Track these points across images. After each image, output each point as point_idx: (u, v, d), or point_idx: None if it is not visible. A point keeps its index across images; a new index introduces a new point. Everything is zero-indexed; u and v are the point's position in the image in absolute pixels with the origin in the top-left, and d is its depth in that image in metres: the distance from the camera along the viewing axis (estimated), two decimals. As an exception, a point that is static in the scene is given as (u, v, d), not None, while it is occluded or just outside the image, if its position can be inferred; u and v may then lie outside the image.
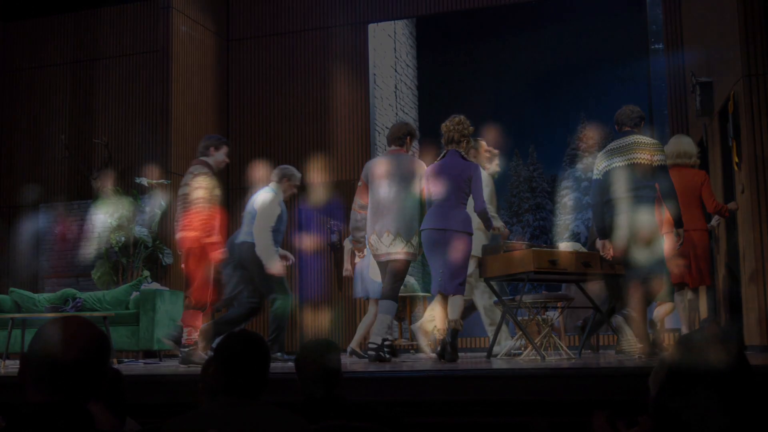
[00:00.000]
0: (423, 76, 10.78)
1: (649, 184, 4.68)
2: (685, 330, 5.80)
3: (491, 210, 5.38)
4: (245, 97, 8.92)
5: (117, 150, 8.57)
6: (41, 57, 9.24)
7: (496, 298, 5.53)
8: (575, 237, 13.52)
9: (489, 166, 5.91)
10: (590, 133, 12.36)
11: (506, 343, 5.79)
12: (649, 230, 4.64)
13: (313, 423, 2.41)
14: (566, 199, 15.17)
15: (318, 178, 8.45)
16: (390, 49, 9.78)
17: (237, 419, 2.25)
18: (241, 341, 2.47)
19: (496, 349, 5.61)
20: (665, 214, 5.08)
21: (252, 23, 9.03)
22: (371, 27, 8.85)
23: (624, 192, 4.68)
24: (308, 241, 8.78)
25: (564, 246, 5.60)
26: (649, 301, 4.86)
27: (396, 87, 9.88)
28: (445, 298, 4.99)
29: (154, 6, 8.52)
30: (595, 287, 5.80)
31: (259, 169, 6.28)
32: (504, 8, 8.76)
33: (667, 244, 5.22)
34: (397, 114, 9.75)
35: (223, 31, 8.94)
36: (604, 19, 9.21)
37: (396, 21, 9.55)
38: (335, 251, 9.03)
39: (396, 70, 9.95)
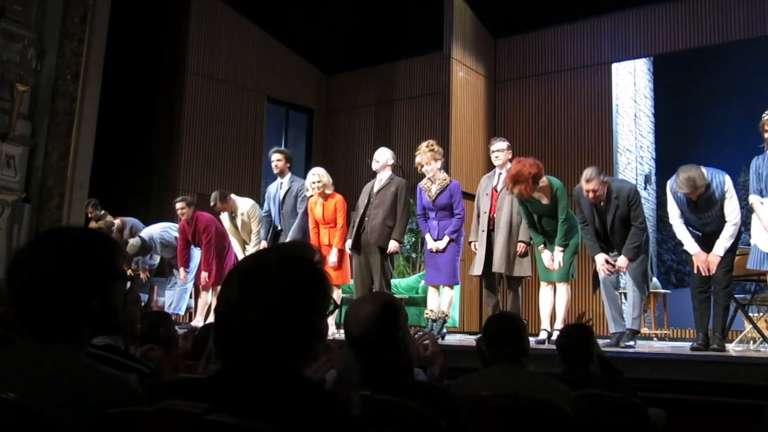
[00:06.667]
0: (659, 105, 11.96)
1: None
2: None
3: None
4: (509, 126, 10.25)
5: (409, 169, 10.84)
6: (353, 101, 11.88)
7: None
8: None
9: None
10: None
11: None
12: None
13: (573, 390, 2.66)
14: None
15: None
16: (630, 83, 10.98)
17: (510, 380, 2.56)
18: (499, 321, 2.89)
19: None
20: None
21: (513, 67, 10.54)
22: (614, 66, 10.02)
23: None
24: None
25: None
26: None
27: (635, 116, 11.27)
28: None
29: (438, 57, 9.97)
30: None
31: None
32: (733, 45, 9.79)
33: None
34: (636, 138, 11.03)
35: (491, 74, 10.54)
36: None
37: (635, 60, 10.64)
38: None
39: (635, 101, 11.31)
